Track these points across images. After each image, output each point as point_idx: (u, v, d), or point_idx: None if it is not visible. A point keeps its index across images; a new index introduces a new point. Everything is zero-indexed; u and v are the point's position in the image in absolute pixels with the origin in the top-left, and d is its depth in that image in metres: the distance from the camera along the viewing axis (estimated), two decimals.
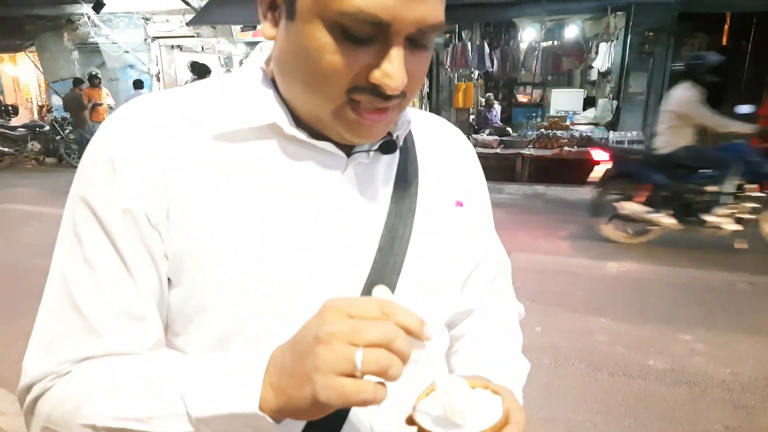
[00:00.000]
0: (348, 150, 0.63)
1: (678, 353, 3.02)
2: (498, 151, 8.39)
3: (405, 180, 0.68)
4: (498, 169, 7.99)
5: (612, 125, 8.85)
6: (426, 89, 9.84)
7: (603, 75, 9.70)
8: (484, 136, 8.80)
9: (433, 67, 9.91)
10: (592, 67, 9.76)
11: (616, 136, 7.83)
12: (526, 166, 8.26)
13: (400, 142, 0.67)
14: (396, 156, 0.69)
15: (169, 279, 0.59)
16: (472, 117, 10.07)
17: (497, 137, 8.69)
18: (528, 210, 6.52)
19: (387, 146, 0.65)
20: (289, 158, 0.61)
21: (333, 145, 0.61)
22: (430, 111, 9.64)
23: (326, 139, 0.61)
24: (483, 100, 10.29)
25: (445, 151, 0.76)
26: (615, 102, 9.18)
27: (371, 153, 0.65)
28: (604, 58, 9.10)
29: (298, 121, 0.61)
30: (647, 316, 3.51)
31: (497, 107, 10.27)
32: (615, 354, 3.01)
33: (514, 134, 9.06)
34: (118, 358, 0.56)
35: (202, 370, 0.51)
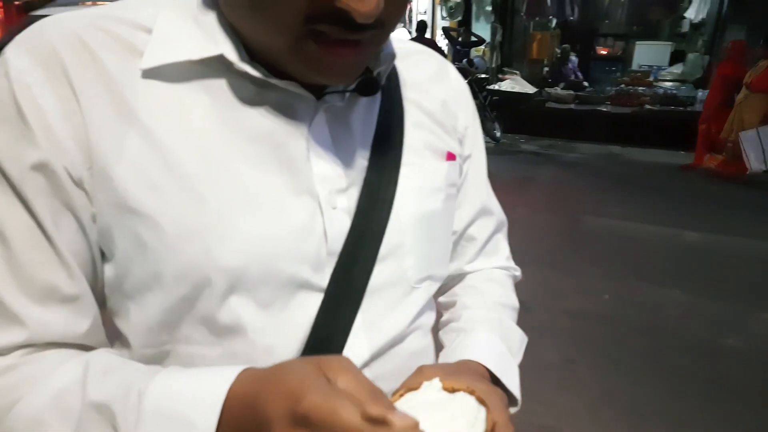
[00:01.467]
0: (317, 91, 0.51)
1: (758, 334, 2.82)
2: (572, 106, 7.93)
3: (388, 128, 0.56)
4: (571, 127, 7.60)
5: (701, 83, 8.18)
6: (498, 38, 9.38)
7: (696, 27, 8.91)
8: (558, 90, 8.33)
9: (507, 13, 9.41)
10: (683, 18, 8.97)
11: (705, 95, 7.24)
12: (602, 124, 7.79)
13: (383, 81, 0.55)
14: (377, 98, 0.57)
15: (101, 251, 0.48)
16: (546, 69, 9.56)
17: (572, 92, 8.22)
18: (600, 171, 6.19)
19: (366, 86, 0.53)
20: (241, 102, 0.49)
21: (298, 84, 0.49)
22: (501, 62, 9.28)
23: (289, 78, 0.48)
24: (559, 51, 9.74)
25: (435, 91, 0.63)
26: (707, 57, 8.44)
27: (347, 95, 0.53)
28: (698, 7, 8.33)
29: (253, 55, 0.48)
30: (725, 291, 3.28)
31: (574, 60, 9.69)
32: (687, 330, 2.84)
33: (591, 89, 8.55)
34: (45, 361, 0.45)
35: (139, 411, 0.41)
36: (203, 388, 0.40)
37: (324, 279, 0.52)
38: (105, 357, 0.46)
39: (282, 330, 0.50)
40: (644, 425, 2.16)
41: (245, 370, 0.41)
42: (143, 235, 0.46)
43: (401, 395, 0.46)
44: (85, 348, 0.48)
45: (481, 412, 0.44)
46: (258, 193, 0.48)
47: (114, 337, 0.52)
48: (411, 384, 0.48)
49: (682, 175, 5.99)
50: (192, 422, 0.39)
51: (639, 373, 2.48)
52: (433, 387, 0.46)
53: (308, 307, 0.51)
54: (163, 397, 0.40)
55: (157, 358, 0.50)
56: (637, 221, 4.51)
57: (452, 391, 0.46)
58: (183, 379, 0.42)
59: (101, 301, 0.50)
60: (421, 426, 0.40)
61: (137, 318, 0.49)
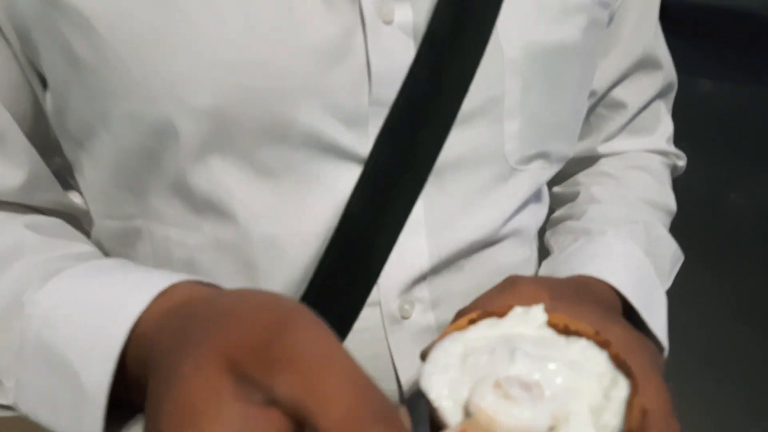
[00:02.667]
0: None
1: (764, 191, 2.74)
2: None
3: None
4: None
5: None
6: None
7: None
8: None
9: None
10: None
11: None
12: None
13: None
14: None
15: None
16: None
17: None
18: None
19: None
20: None
21: None
22: None
23: None
24: None
25: None
26: None
27: None
28: None
29: None
30: (737, 146, 3.15)
31: None
32: (690, 185, 2.73)
33: None
34: None
35: (21, 335, 0.28)
36: (100, 317, 0.26)
37: (365, 142, 0.34)
38: (17, 234, 0.33)
39: (291, 216, 0.35)
40: None
41: (168, 291, 0.25)
42: (73, 43, 0.31)
43: (472, 321, 0.27)
44: (32, 210, 0.37)
45: (620, 386, 0.24)
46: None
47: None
48: (492, 304, 0.29)
49: None
50: (77, 376, 0.25)
51: None
52: (530, 318, 0.27)
53: (336, 184, 0.35)
54: (46, 322, 0.27)
55: (126, 238, 0.38)
56: None
57: (565, 331, 0.26)
58: (80, 295, 0.28)
59: (53, 144, 0.38)
60: (487, 383, 0.22)
61: (91, 175, 0.37)
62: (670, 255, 0.46)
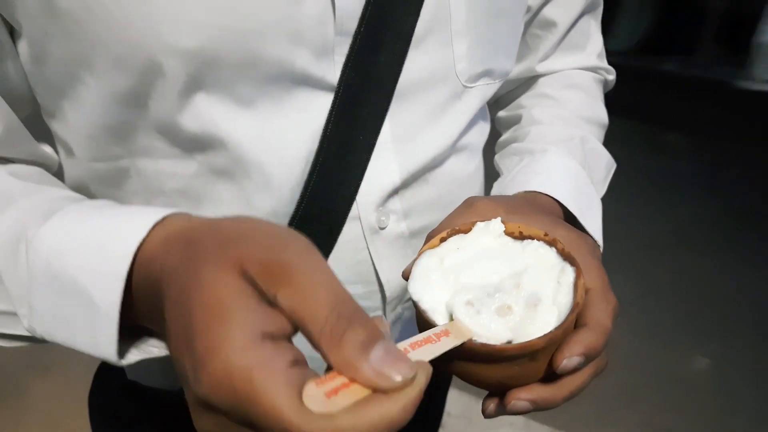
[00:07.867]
0: None
1: (699, 128, 2.80)
2: None
3: None
4: None
5: None
6: None
7: None
8: None
9: None
10: None
11: None
12: None
13: None
14: None
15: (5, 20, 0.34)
16: None
17: None
18: None
19: None
20: None
21: None
22: None
23: None
24: None
25: None
26: None
27: None
28: None
29: None
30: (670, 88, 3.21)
31: None
32: (632, 127, 2.80)
33: None
34: None
35: (28, 269, 0.31)
36: (105, 245, 0.28)
37: (333, 71, 0.38)
38: (3, 181, 0.35)
39: (275, 142, 0.39)
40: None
41: (165, 221, 0.28)
42: None
43: (443, 239, 0.33)
44: (8, 161, 0.38)
45: (567, 272, 0.30)
46: None
47: (59, 145, 0.42)
48: (457, 223, 0.34)
49: None
50: (89, 296, 0.28)
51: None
52: (491, 230, 0.33)
53: (312, 110, 0.39)
54: (54, 253, 0.30)
55: (115, 177, 0.40)
56: None
57: (520, 237, 0.33)
58: (83, 228, 0.31)
59: (27, 97, 0.38)
60: (462, 289, 0.29)
61: (76, 121, 0.38)
62: (604, 164, 0.53)
